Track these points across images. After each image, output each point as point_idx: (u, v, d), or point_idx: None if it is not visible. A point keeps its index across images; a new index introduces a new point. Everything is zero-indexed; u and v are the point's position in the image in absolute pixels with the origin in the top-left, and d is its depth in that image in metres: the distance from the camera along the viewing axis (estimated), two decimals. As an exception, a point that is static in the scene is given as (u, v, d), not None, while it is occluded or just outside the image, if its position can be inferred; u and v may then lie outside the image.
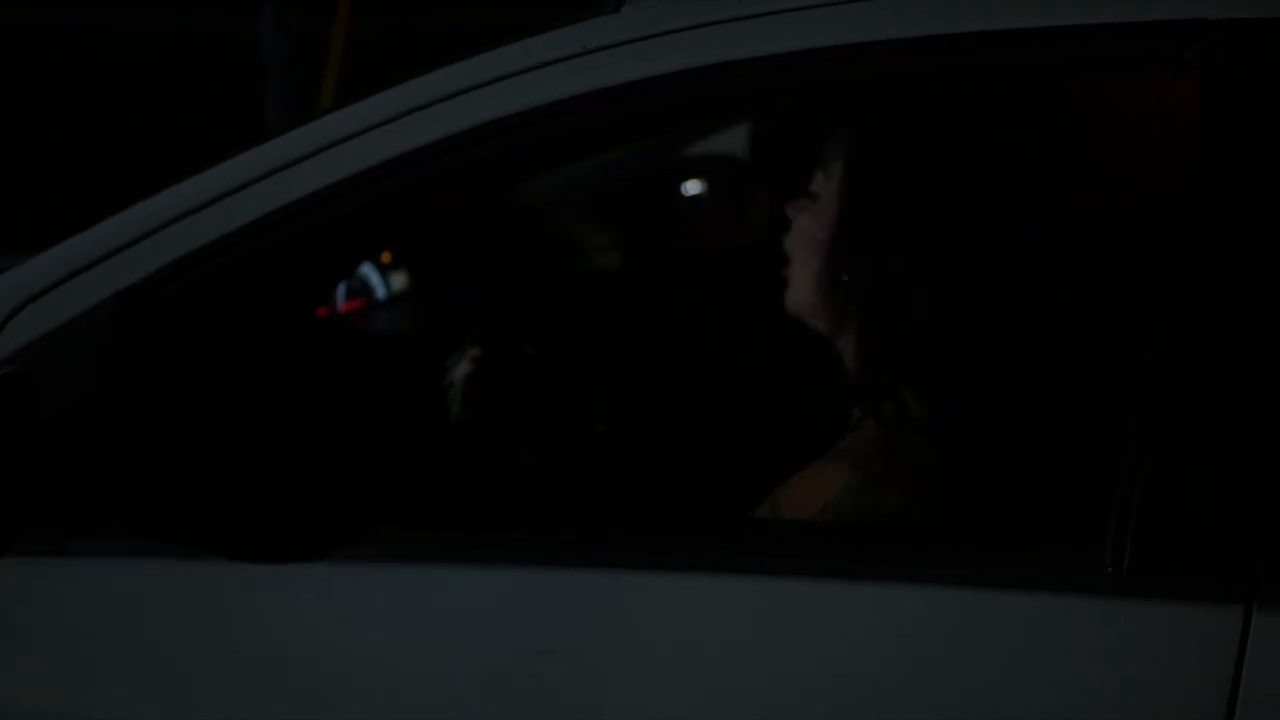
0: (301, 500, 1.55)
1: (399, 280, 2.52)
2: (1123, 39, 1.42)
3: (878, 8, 1.48)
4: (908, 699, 1.36)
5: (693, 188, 2.87)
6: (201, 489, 1.51)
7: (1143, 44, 1.41)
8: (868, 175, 1.68)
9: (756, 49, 1.50)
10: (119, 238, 1.59)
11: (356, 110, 1.61)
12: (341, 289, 2.47)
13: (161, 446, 1.52)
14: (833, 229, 1.67)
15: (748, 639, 1.40)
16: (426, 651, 1.48)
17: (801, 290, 1.69)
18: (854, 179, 1.67)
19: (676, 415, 2.07)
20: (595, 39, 1.54)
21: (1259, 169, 1.36)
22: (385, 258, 2.51)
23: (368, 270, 2.49)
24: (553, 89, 1.54)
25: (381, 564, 1.50)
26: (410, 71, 1.63)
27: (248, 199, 1.58)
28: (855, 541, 1.55)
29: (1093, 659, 1.33)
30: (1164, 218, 1.38)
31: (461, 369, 1.89)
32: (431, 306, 2.51)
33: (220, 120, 6.10)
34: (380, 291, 2.51)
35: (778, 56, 1.50)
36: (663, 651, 1.42)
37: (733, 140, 3.37)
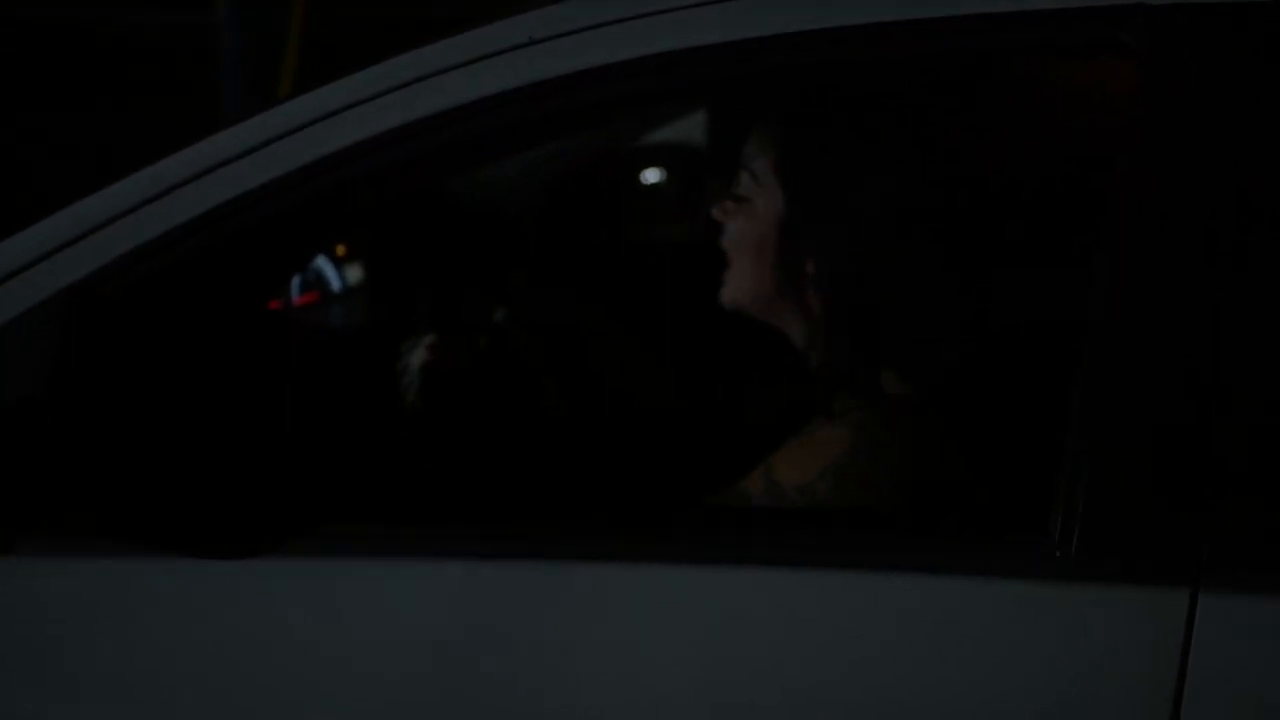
0: (256, 496, 1.54)
1: (354, 272, 2.51)
2: (1062, 23, 1.43)
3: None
4: (856, 684, 1.36)
5: (648, 176, 2.87)
6: (155, 486, 1.50)
7: (1082, 28, 1.42)
8: (805, 166, 1.70)
9: (704, 37, 1.50)
10: (63, 234, 1.59)
11: (305, 102, 1.60)
12: (296, 282, 2.46)
13: (113, 444, 1.51)
14: (772, 226, 1.69)
15: (704, 629, 1.41)
16: (386, 646, 1.47)
17: (749, 287, 1.71)
18: (790, 172, 1.69)
19: (630, 403, 2.07)
20: (541, 29, 1.54)
21: (1195, 151, 1.37)
22: (340, 250, 2.50)
23: (322, 263, 2.48)
24: (500, 80, 1.54)
25: (339, 558, 1.49)
26: (363, 63, 1.62)
27: (197, 191, 1.57)
28: (799, 530, 1.55)
29: (1040, 642, 1.34)
30: (1102, 199, 1.39)
31: (417, 357, 1.89)
32: (386, 298, 2.50)
33: (175, 114, 6.08)
34: (335, 284, 2.50)
35: (725, 44, 1.51)
36: (625, 643, 1.42)
37: (688, 129, 3.37)
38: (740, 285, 1.72)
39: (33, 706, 1.51)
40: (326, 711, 1.46)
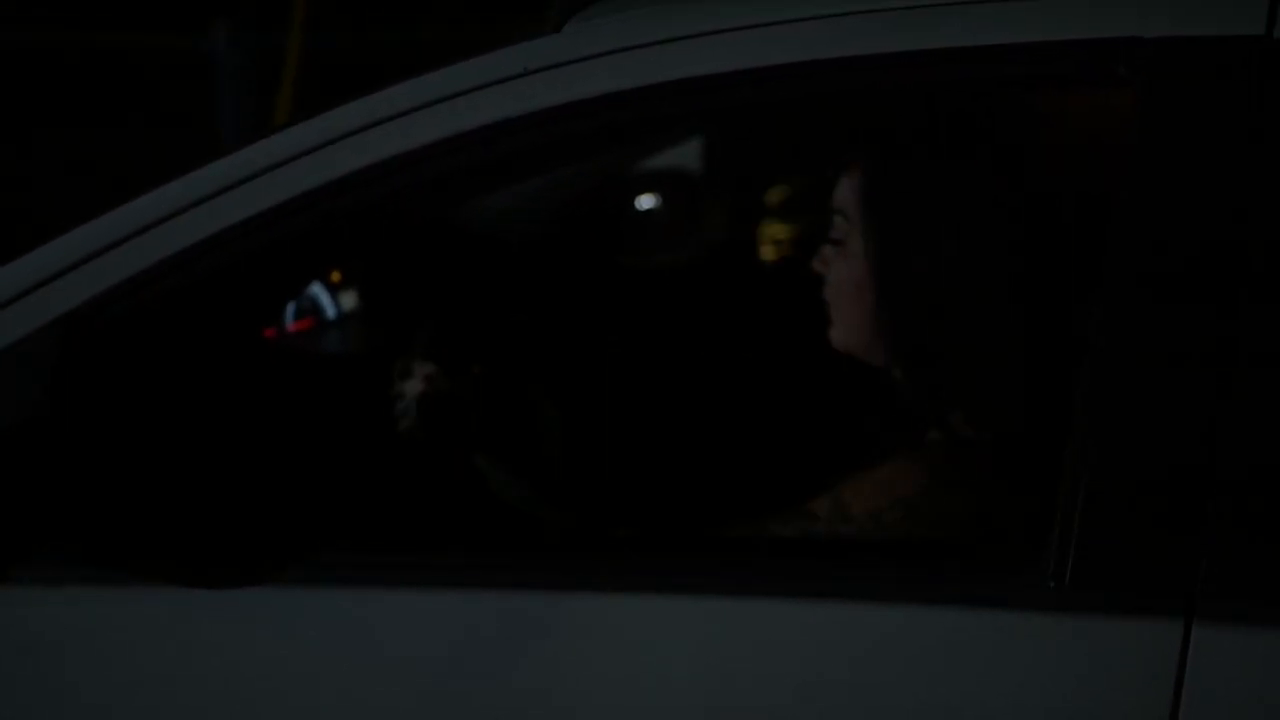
0: (250, 523, 1.54)
1: (349, 299, 2.50)
2: (1060, 56, 1.45)
3: (814, 29, 1.50)
4: (852, 716, 1.36)
5: (644, 203, 2.87)
6: (148, 514, 1.51)
7: (1079, 61, 1.44)
8: (896, 211, 1.68)
9: (697, 69, 1.52)
10: (61, 260, 1.59)
11: (297, 132, 1.62)
12: (290, 308, 2.45)
13: (106, 471, 1.51)
14: (868, 266, 1.67)
15: (699, 658, 1.41)
16: (380, 675, 1.47)
17: (853, 333, 1.69)
18: (881, 217, 1.67)
19: (632, 432, 2.07)
20: (536, 60, 1.55)
21: (1191, 181, 1.37)
22: (335, 276, 2.49)
23: (317, 289, 2.47)
24: (494, 110, 1.55)
25: (332, 587, 1.50)
26: (359, 90, 1.63)
27: (195, 218, 1.58)
28: (793, 561, 1.56)
29: (1035, 673, 1.34)
30: (1099, 230, 1.39)
31: (413, 386, 1.89)
32: (381, 326, 2.50)
33: (172, 139, 6.09)
34: (330, 311, 2.49)
35: (718, 76, 1.52)
36: (626, 675, 1.43)
37: (685, 155, 3.38)
38: (848, 329, 1.69)
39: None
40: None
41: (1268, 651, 1.31)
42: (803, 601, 1.40)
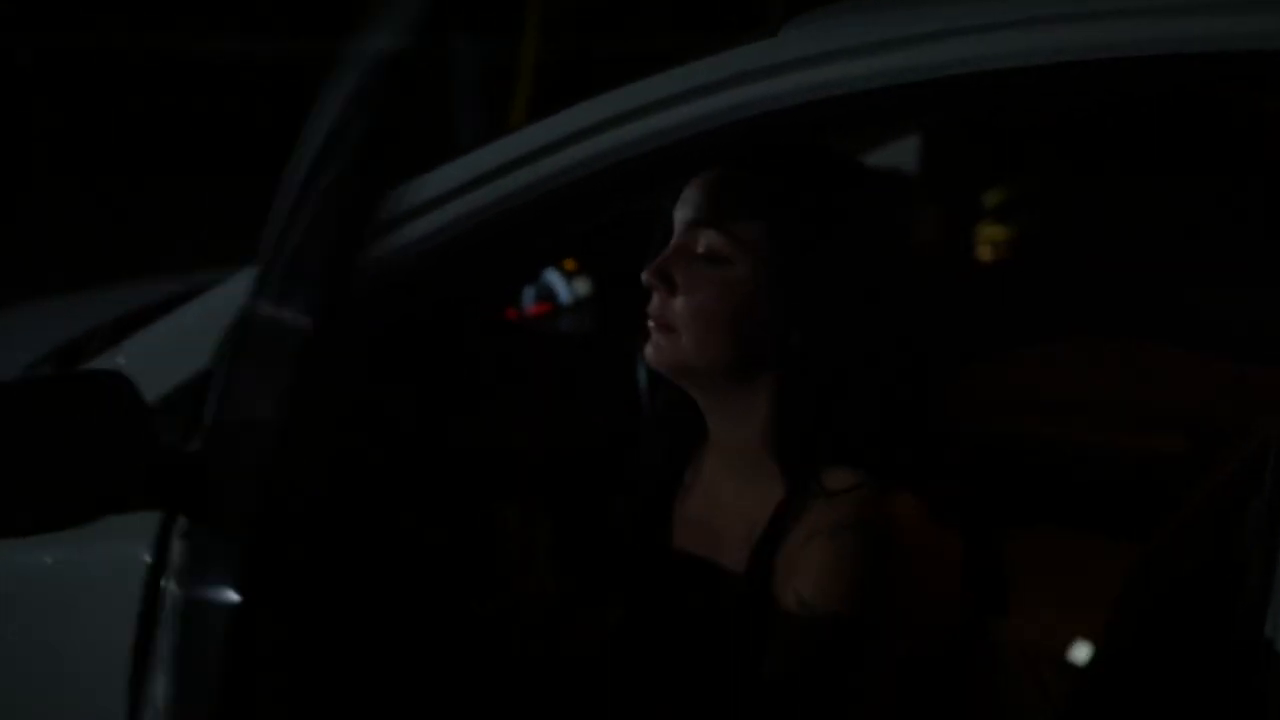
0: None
1: (582, 286, 2.62)
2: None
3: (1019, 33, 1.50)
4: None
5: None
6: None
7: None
8: (807, 232, 1.50)
9: (912, 71, 1.52)
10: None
11: (536, 129, 1.69)
12: (529, 293, 2.59)
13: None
14: (751, 295, 1.49)
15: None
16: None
17: (709, 357, 1.50)
18: (787, 237, 1.49)
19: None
20: (753, 62, 1.60)
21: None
22: (569, 265, 2.61)
23: (553, 276, 2.60)
24: (709, 110, 1.60)
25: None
26: (584, 95, 1.69)
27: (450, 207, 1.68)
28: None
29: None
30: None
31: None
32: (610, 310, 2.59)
33: (412, 138, 6.33)
34: (564, 296, 2.61)
35: (938, 80, 1.52)
36: None
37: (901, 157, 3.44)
38: (697, 354, 1.50)
39: None
40: None
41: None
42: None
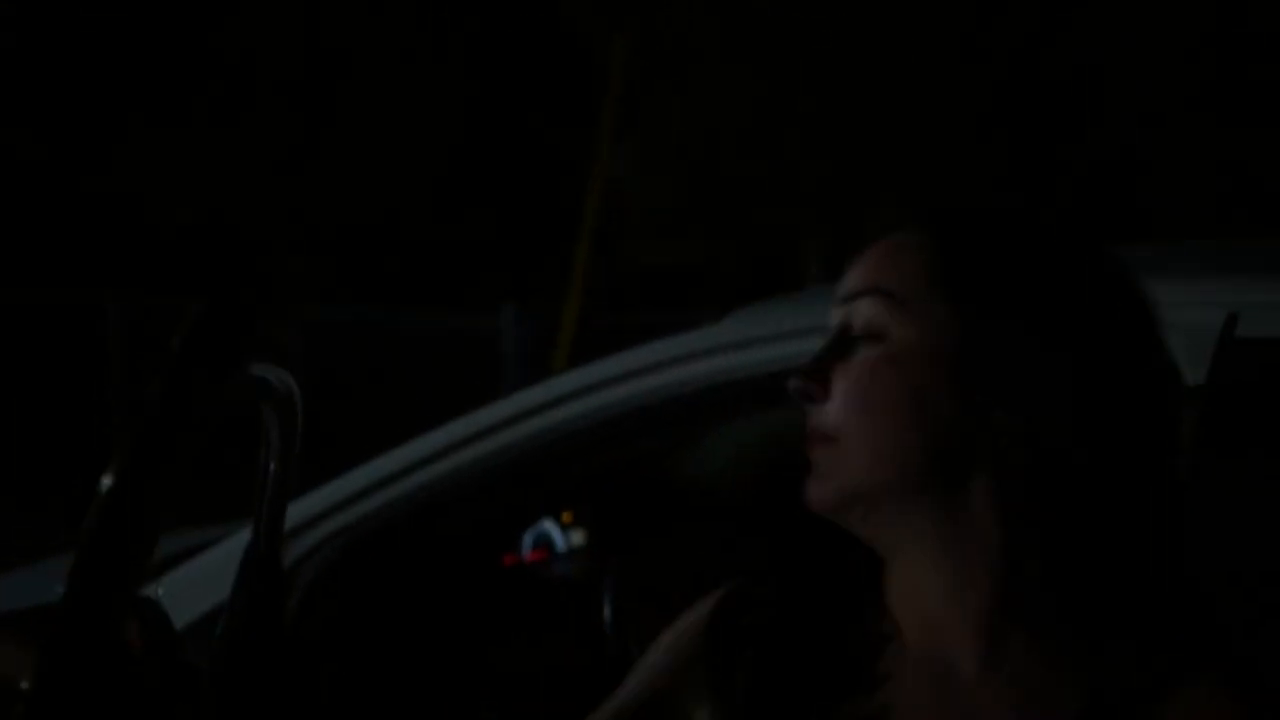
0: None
1: (576, 537, 2.86)
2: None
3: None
4: None
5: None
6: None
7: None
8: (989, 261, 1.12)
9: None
10: (349, 488, 2.09)
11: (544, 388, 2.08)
12: (528, 539, 2.83)
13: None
14: (930, 363, 1.10)
15: None
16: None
17: (880, 470, 1.10)
18: (965, 274, 1.11)
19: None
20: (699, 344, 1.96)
21: None
22: (566, 518, 2.87)
23: (549, 526, 2.85)
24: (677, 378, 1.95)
25: None
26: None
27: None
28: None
29: None
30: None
31: None
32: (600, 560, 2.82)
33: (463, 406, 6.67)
34: (560, 544, 2.85)
35: None
36: None
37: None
38: (873, 462, 1.10)
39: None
40: None
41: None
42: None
